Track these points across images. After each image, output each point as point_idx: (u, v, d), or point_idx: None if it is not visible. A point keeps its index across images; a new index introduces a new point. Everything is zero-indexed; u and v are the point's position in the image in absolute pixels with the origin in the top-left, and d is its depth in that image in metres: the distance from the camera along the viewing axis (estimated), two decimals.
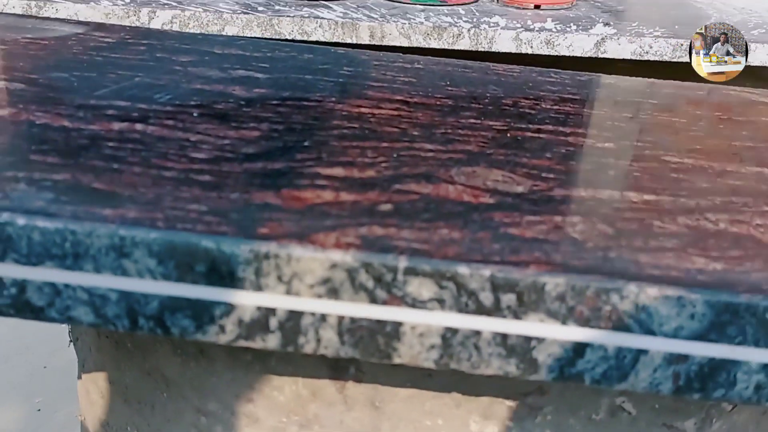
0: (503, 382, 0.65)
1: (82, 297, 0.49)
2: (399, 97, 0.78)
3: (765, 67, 1.27)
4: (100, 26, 0.94)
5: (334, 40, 1.19)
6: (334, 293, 0.49)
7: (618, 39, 1.24)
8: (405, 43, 1.21)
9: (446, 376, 0.65)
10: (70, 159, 0.57)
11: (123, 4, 1.21)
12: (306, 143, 0.64)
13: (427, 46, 1.20)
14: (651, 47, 1.24)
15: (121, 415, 0.82)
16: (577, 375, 0.50)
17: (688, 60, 1.28)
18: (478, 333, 0.49)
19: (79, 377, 0.93)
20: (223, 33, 1.17)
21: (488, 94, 0.83)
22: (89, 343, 0.86)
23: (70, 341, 0.96)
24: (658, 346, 0.49)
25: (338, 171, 0.59)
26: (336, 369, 0.65)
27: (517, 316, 0.49)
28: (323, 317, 0.49)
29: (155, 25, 1.18)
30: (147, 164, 0.57)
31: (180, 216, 0.50)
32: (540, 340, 0.49)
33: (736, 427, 0.69)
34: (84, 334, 0.88)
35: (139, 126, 0.64)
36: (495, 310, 0.49)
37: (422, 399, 0.66)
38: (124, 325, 0.50)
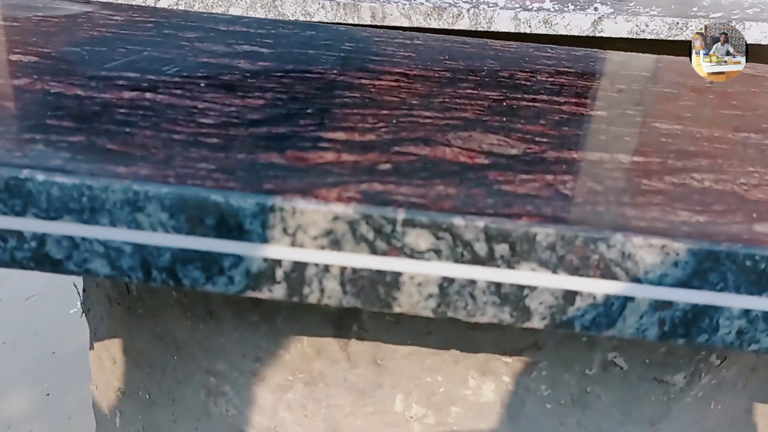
0: (500, 339, 0.68)
1: (98, 250, 0.52)
2: (398, 70, 0.81)
3: (759, 44, 1.29)
4: (107, 5, 0.97)
5: (336, 20, 1.21)
6: (336, 245, 0.51)
7: (615, 18, 1.26)
8: (405, 24, 1.23)
9: (445, 333, 0.68)
10: (85, 123, 0.59)
11: None
12: (309, 110, 0.67)
13: (427, 26, 1.23)
14: (647, 26, 1.26)
15: (133, 380, 0.85)
16: (568, 322, 0.53)
17: (685, 39, 1.30)
18: (473, 282, 0.52)
19: (91, 347, 0.96)
20: (228, 14, 1.19)
21: (485, 68, 0.85)
22: (101, 312, 0.89)
23: (82, 312, 0.99)
24: (644, 293, 0.52)
25: (339, 135, 0.62)
26: (339, 327, 0.68)
27: (510, 265, 0.52)
28: (326, 268, 0.52)
29: (162, 5, 1.21)
30: (157, 128, 0.59)
31: (190, 173, 0.53)
32: (532, 289, 0.52)
33: (725, 382, 0.71)
34: (96, 304, 0.91)
35: (148, 95, 0.66)
36: (489, 260, 0.51)
37: (422, 356, 0.69)
38: (138, 277, 0.53)
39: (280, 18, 1.22)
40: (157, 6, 1.19)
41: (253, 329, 0.70)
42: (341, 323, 0.68)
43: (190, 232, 0.51)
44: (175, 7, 1.21)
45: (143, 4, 1.19)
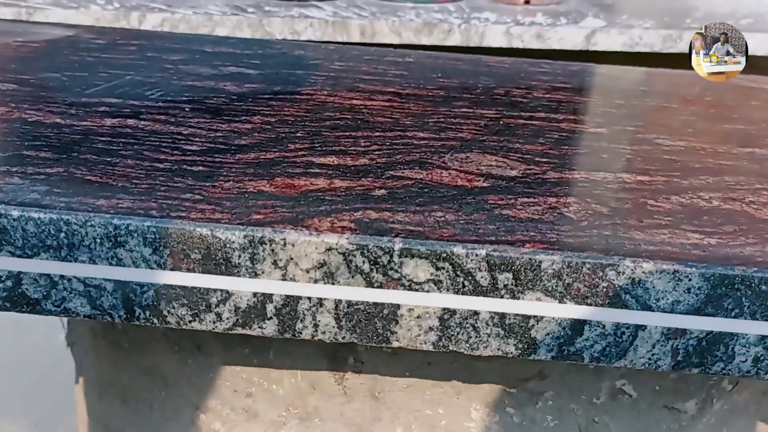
0: (503, 369, 0.65)
1: (78, 288, 0.49)
2: (391, 89, 0.78)
3: (754, 55, 1.28)
4: (89, 29, 0.94)
5: (325, 39, 1.19)
6: (330, 277, 0.49)
7: (608, 31, 1.24)
8: (396, 41, 1.21)
9: (446, 364, 0.65)
10: (63, 154, 0.57)
11: (113, 9, 1.21)
12: (298, 134, 0.64)
13: (418, 42, 1.21)
14: (641, 38, 1.24)
15: (120, 417, 0.81)
16: (577, 353, 0.50)
17: (679, 51, 1.29)
18: (476, 313, 0.49)
19: (77, 381, 0.92)
20: (214, 35, 1.17)
21: (480, 85, 0.83)
22: (85, 346, 0.86)
23: (67, 345, 0.95)
24: (656, 321, 0.49)
25: (331, 159, 0.59)
26: (335, 360, 0.65)
27: (514, 295, 0.49)
28: (320, 302, 0.49)
29: (145, 28, 1.19)
30: (140, 157, 0.57)
31: (174, 204, 0.50)
32: (538, 319, 0.49)
33: (738, 407, 0.69)
34: (80, 337, 0.88)
35: (131, 121, 0.64)
36: (492, 290, 0.49)
37: (422, 388, 0.66)
38: (120, 316, 0.50)
39: (268, 37, 1.20)
40: (141, 28, 1.17)
41: (243, 363, 0.67)
42: (336, 356, 0.65)
43: (174, 267, 0.49)
44: (159, 29, 1.19)
45: (127, 27, 1.17)
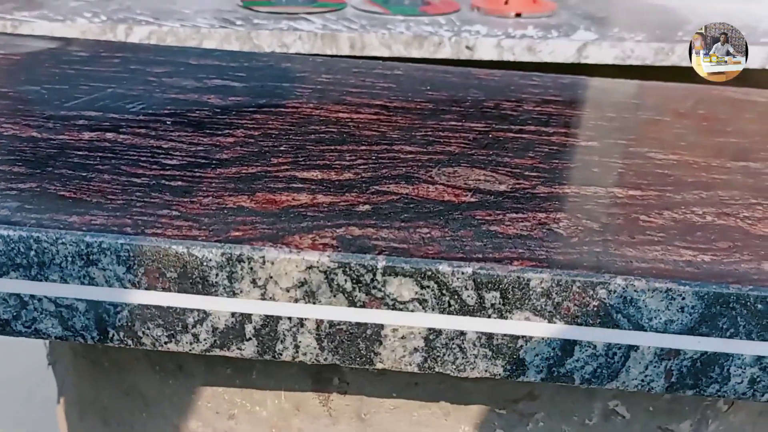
0: (492, 389, 0.63)
1: (48, 308, 0.47)
2: (378, 102, 0.77)
3: (747, 68, 1.27)
4: (73, 41, 0.93)
5: (314, 51, 1.18)
6: (311, 296, 0.47)
7: (600, 44, 1.23)
8: (386, 53, 1.20)
9: (433, 384, 0.63)
10: (38, 168, 0.55)
11: (99, 22, 1.20)
12: (282, 147, 0.62)
13: (408, 55, 1.20)
14: (633, 51, 1.24)
15: None
16: (567, 375, 0.49)
17: (671, 64, 1.28)
18: (462, 334, 0.48)
19: (58, 401, 0.90)
20: (201, 47, 1.15)
21: (469, 98, 0.81)
22: (66, 365, 0.84)
23: (48, 364, 0.93)
24: (649, 341, 0.47)
25: (315, 174, 0.58)
26: (319, 380, 0.63)
27: (501, 315, 0.47)
28: (301, 322, 0.48)
29: (132, 41, 1.17)
30: (117, 171, 0.55)
31: (150, 221, 0.48)
32: (527, 339, 0.48)
33: (733, 428, 0.67)
34: (61, 356, 0.86)
35: (110, 135, 0.62)
36: (479, 310, 0.47)
37: (409, 409, 0.64)
38: (93, 337, 0.48)
39: (256, 50, 1.19)
40: (128, 41, 1.15)
41: (226, 384, 0.65)
42: (321, 376, 0.63)
43: (149, 286, 0.47)
44: (146, 42, 1.17)
45: (113, 39, 1.15)
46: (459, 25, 1.29)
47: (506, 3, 1.43)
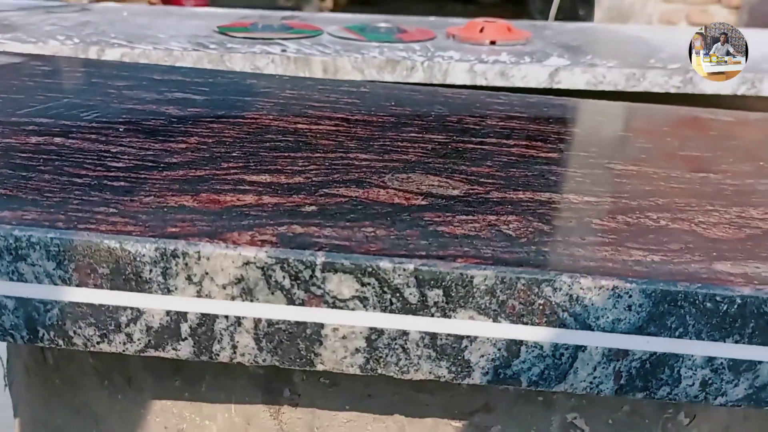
0: (447, 401, 0.61)
1: None
2: (340, 115, 0.76)
3: (717, 95, 1.28)
4: (38, 56, 0.92)
5: (287, 75, 1.18)
6: (248, 294, 0.46)
7: (572, 69, 1.24)
8: (359, 77, 1.20)
9: (387, 395, 0.61)
10: None
11: (72, 44, 1.19)
12: (234, 153, 0.61)
13: (381, 79, 1.20)
14: (605, 77, 1.24)
15: None
16: (514, 377, 0.47)
17: (642, 90, 1.28)
18: (405, 333, 0.46)
19: (14, 424, 0.87)
20: (166, 64, 1.15)
21: (433, 113, 0.81)
22: (21, 385, 0.81)
23: (5, 385, 0.90)
24: (597, 341, 0.46)
25: (264, 177, 0.57)
26: (269, 391, 0.61)
27: (445, 313, 0.46)
28: (238, 321, 0.46)
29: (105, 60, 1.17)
30: (58, 172, 0.54)
31: (84, 217, 0.47)
32: (471, 339, 0.46)
33: None
34: (18, 376, 0.83)
35: (58, 140, 0.61)
36: (422, 308, 0.46)
37: (363, 422, 0.62)
38: (23, 337, 0.46)
39: None
40: (98, 58, 1.15)
41: (174, 397, 0.63)
42: (271, 387, 0.61)
43: (80, 283, 0.45)
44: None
45: (82, 57, 1.15)
46: (433, 51, 1.29)
47: (481, 31, 1.44)
